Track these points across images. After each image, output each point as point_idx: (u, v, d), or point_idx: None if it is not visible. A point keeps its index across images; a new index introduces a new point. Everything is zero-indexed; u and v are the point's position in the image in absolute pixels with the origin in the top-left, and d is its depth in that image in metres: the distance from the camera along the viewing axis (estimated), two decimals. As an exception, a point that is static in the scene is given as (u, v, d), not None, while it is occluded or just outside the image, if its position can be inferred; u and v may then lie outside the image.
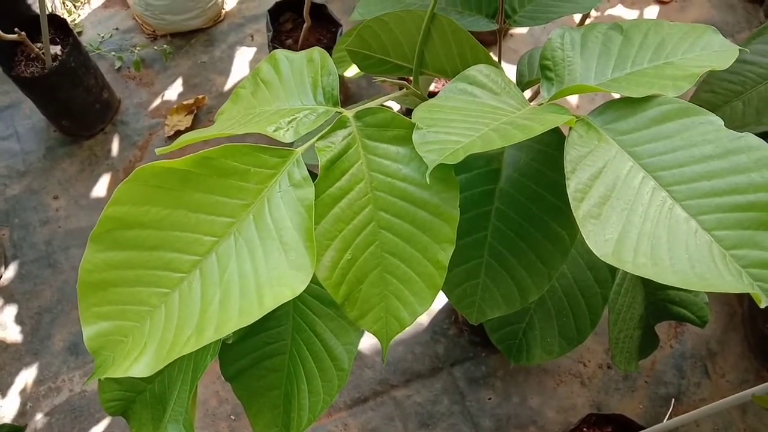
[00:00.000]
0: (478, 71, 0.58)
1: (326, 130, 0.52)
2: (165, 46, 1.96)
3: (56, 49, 1.68)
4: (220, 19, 2.06)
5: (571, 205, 0.50)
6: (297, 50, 0.63)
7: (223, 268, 0.47)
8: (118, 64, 1.95)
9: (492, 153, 0.63)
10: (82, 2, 2.06)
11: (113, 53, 1.95)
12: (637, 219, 0.50)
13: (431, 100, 0.56)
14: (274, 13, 1.81)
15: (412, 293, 0.52)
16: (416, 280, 0.52)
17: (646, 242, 0.48)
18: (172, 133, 1.86)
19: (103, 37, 2.01)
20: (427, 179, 0.47)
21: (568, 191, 0.51)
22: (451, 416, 1.59)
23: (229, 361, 0.79)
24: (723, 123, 0.51)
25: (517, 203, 0.61)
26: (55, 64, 1.64)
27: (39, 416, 1.57)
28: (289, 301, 0.80)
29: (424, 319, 1.71)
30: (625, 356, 0.86)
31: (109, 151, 1.86)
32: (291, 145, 0.53)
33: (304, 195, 0.48)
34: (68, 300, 1.69)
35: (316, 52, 0.57)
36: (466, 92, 0.57)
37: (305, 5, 1.63)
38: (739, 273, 0.47)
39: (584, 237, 0.49)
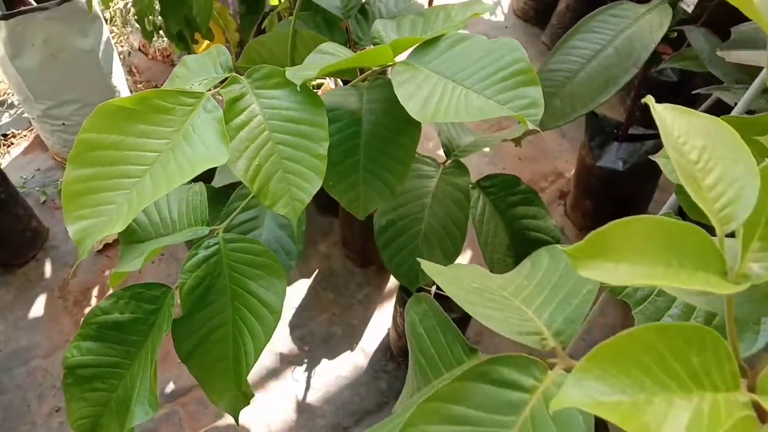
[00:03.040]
0: (328, 45, 0.84)
1: (225, 83, 0.75)
2: (86, 175, 2.15)
3: (-16, 185, 1.84)
4: (134, 146, 2.29)
5: (401, 101, 0.74)
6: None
7: (165, 167, 0.66)
8: (42, 198, 2.12)
9: (354, 108, 0.87)
10: (1, 153, 2.25)
11: (37, 189, 2.13)
12: (445, 101, 0.74)
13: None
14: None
15: (305, 181, 0.73)
16: (307, 172, 0.73)
17: (452, 109, 0.72)
18: (100, 247, 2.01)
19: (26, 178, 2.19)
20: (298, 88, 0.70)
21: (399, 96, 0.75)
22: (404, 442, 1.69)
23: (182, 339, 0.94)
24: (486, 38, 0.79)
25: (376, 135, 0.85)
26: (-16, 197, 1.80)
27: None
28: (225, 275, 0.96)
29: (362, 361, 1.84)
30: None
31: (43, 273, 1.97)
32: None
33: (216, 115, 0.70)
34: (15, 417, 1.71)
35: (214, 46, 0.81)
36: (320, 58, 0.82)
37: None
38: (516, 113, 0.71)
39: (413, 115, 0.72)
